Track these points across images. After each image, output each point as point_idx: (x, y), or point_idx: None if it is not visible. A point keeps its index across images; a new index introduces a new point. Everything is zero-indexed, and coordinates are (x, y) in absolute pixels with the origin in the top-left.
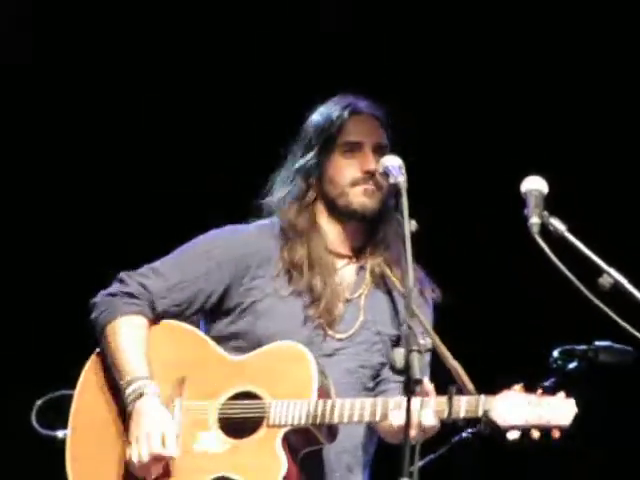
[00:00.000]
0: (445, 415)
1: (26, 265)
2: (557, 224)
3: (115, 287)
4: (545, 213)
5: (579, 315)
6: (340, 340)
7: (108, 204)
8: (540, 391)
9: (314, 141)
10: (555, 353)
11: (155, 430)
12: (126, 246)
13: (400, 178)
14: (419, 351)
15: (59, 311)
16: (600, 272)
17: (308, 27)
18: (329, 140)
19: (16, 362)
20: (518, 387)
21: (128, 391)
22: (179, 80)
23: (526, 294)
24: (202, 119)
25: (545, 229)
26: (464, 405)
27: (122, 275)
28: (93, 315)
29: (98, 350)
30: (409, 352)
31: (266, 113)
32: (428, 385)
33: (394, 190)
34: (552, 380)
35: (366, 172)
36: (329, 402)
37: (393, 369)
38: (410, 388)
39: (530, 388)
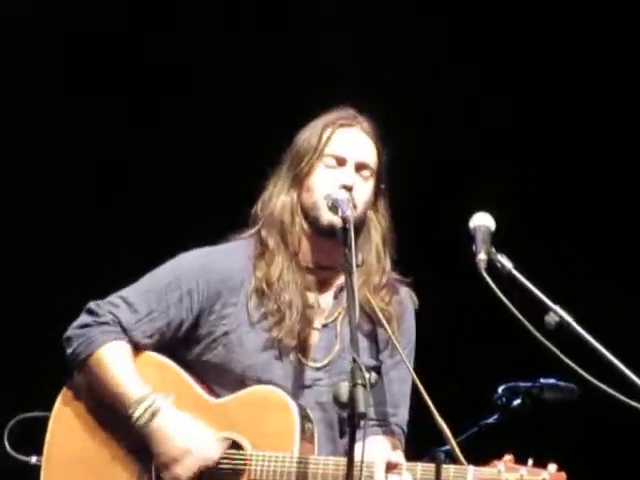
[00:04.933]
0: None
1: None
2: (504, 261)
3: (86, 318)
4: (492, 250)
5: (524, 352)
6: (317, 369)
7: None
8: (531, 462)
9: (303, 151)
10: (500, 390)
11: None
12: (98, 266)
13: (348, 212)
14: (364, 385)
15: (32, 330)
16: (547, 310)
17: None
18: (316, 150)
19: None
20: (509, 458)
21: (138, 412)
22: (178, 83)
23: (471, 330)
24: (184, 132)
25: (492, 265)
26: (452, 475)
27: (91, 306)
28: (69, 350)
29: (70, 382)
30: (353, 386)
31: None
32: (399, 458)
33: (342, 224)
34: (496, 417)
35: (342, 187)
36: (311, 459)
37: (337, 403)
38: (354, 422)
39: (520, 459)
